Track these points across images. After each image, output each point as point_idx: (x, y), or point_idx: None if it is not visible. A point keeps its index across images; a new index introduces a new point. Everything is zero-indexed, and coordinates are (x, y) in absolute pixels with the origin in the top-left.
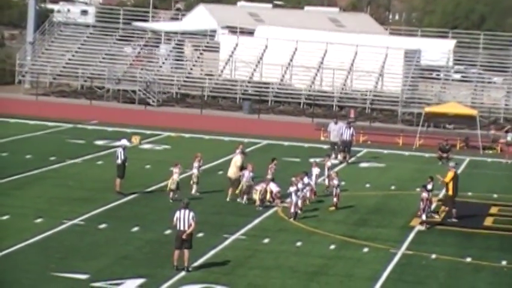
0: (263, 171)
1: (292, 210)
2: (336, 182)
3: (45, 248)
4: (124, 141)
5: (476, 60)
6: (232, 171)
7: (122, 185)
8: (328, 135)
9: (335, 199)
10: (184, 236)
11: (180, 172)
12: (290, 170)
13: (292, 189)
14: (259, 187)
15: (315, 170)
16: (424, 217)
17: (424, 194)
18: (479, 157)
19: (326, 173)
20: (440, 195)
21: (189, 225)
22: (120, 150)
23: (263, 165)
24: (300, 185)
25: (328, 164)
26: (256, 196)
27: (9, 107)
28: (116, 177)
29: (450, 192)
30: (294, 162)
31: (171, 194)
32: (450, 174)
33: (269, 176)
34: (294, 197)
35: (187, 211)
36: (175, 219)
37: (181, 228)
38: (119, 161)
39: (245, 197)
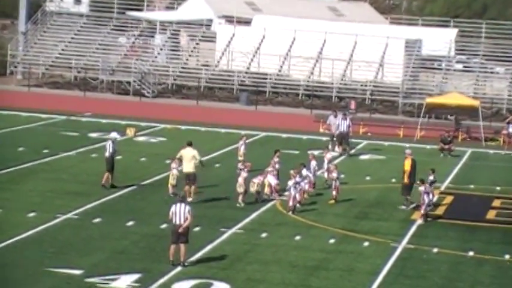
0: (260, 163)
1: (290, 203)
2: (335, 174)
3: (38, 243)
4: (114, 134)
5: (479, 49)
6: (190, 166)
7: (109, 179)
8: (329, 127)
9: (334, 192)
10: (180, 230)
11: (178, 166)
12: (289, 162)
13: (290, 182)
14: (256, 180)
15: (313, 163)
16: (422, 211)
17: (421, 188)
18: (482, 149)
19: (325, 165)
20: (442, 188)
21: (185, 219)
22: (109, 143)
23: (261, 158)
24: (298, 178)
25: (328, 156)
26: (253, 189)
27: (1, 98)
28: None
29: (406, 180)
30: (292, 155)
31: (171, 188)
32: (408, 162)
33: (269, 169)
34: (292, 190)
35: (183, 205)
36: (171, 213)
37: (177, 222)
38: (107, 154)
39: (243, 197)
